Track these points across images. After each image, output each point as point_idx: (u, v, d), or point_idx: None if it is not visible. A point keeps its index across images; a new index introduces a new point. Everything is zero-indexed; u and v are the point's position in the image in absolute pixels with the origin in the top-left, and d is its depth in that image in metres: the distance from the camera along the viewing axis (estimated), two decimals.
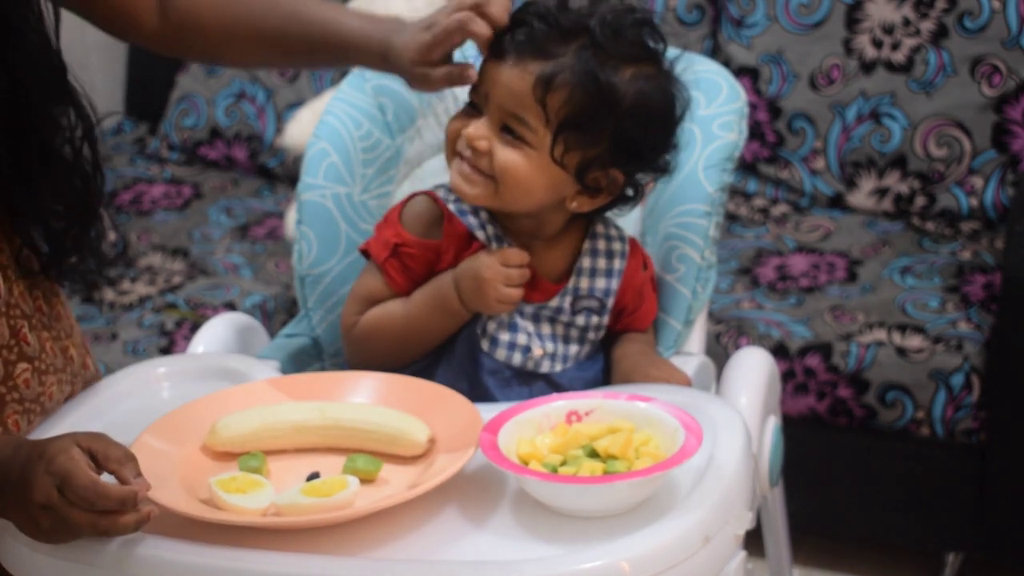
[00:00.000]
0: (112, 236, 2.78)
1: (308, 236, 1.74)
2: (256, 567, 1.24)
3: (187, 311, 2.57)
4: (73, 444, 1.27)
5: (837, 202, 2.80)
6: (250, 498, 1.31)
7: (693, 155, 1.73)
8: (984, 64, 2.68)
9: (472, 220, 1.60)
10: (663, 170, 1.58)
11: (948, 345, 2.35)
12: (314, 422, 1.44)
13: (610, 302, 1.62)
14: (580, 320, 1.61)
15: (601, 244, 1.62)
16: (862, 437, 2.41)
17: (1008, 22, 2.67)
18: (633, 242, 1.65)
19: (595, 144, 1.51)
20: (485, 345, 1.59)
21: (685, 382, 1.56)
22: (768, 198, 2.85)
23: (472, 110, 1.54)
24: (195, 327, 2.43)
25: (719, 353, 2.16)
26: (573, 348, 1.62)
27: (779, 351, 2.39)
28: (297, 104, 3.08)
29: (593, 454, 1.35)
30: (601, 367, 1.65)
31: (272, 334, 1.87)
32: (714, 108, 1.76)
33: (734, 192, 2.85)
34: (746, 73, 2.82)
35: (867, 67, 2.76)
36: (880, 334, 2.39)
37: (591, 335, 1.63)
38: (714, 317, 2.46)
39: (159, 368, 1.61)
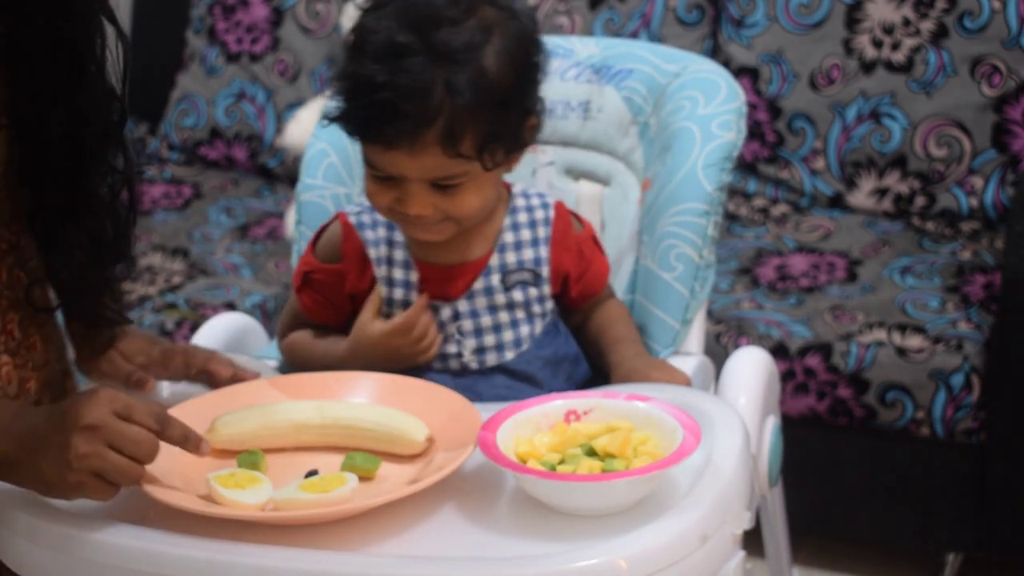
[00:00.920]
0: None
1: (307, 236, 1.74)
2: (254, 561, 1.24)
3: (187, 311, 2.57)
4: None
5: (837, 202, 2.80)
6: (248, 493, 1.31)
7: (692, 154, 1.73)
8: (984, 64, 2.68)
9: (370, 235, 1.61)
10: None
11: (948, 345, 2.35)
12: (313, 421, 1.44)
13: (544, 271, 1.61)
14: (517, 295, 1.60)
15: (522, 216, 1.62)
16: (862, 437, 2.41)
17: (1008, 22, 2.67)
18: (559, 205, 1.64)
19: (508, 124, 1.51)
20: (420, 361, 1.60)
21: (685, 383, 1.56)
22: (768, 198, 2.85)
23: (383, 180, 1.51)
24: (195, 327, 2.43)
25: (719, 353, 2.16)
26: (524, 329, 1.61)
27: (779, 351, 2.39)
28: (297, 104, 3.09)
29: (591, 453, 1.35)
30: (564, 340, 1.64)
31: (271, 334, 1.87)
32: (713, 107, 1.76)
33: (734, 192, 2.85)
34: (746, 73, 2.82)
35: (867, 67, 2.76)
36: (880, 334, 2.39)
37: (536, 309, 1.62)
38: (714, 317, 2.46)
39: None
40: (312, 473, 1.37)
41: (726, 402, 1.51)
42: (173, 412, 1.46)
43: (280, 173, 3.15)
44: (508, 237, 1.60)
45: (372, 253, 1.60)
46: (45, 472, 1.27)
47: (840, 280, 2.57)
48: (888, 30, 2.74)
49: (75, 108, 1.38)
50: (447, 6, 1.47)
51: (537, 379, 1.61)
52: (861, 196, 2.77)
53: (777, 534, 1.92)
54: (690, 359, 1.71)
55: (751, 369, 1.72)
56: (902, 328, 2.39)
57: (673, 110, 1.78)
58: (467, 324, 1.60)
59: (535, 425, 1.39)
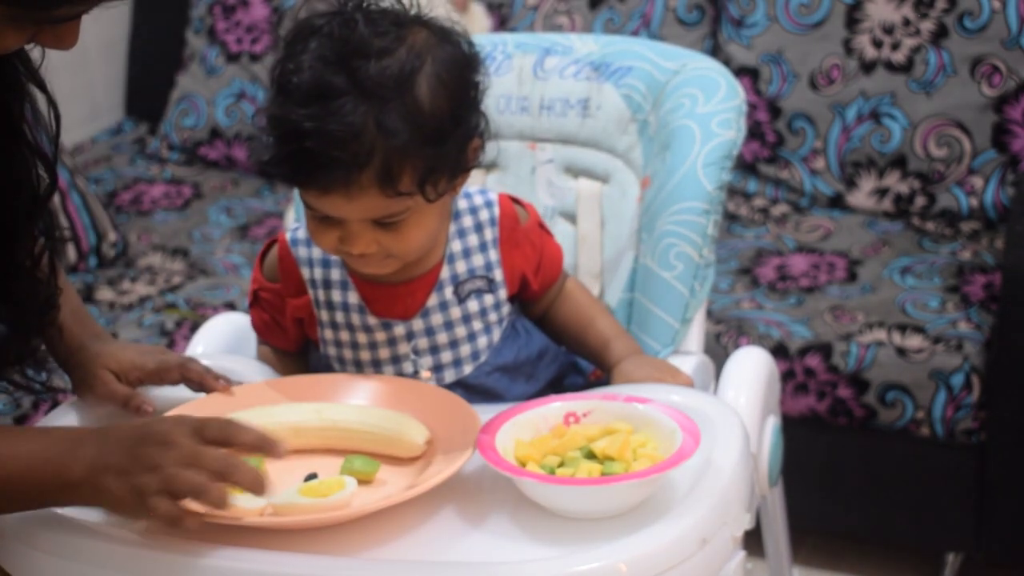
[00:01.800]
0: (112, 236, 2.80)
1: None
2: (252, 566, 1.24)
3: (187, 311, 2.57)
4: None
5: (837, 202, 2.79)
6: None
7: (692, 153, 1.73)
8: (984, 64, 2.68)
9: (303, 253, 1.56)
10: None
11: (948, 345, 2.34)
12: (312, 423, 1.44)
13: (498, 275, 1.57)
14: (473, 306, 1.56)
15: (467, 220, 1.56)
16: (862, 437, 2.41)
17: (1008, 22, 2.67)
18: (503, 199, 1.58)
19: (447, 155, 1.44)
20: None
21: (687, 383, 1.56)
22: (768, 198, 2.85)
23: (323, 219, 1.45)
24: (195, 327, 2.43)
25: (719, 353, 2.16)
26: (482, 340, 1.57)
27: (779, 351, 2.39)
28: None
29: (591, 456, 1.35)
30: (525, 342, 1.60)
31: None
32: (712, 106, 1.76)
33: (734, 192, 2.85)
34: (746, 73, 2.82)
35: (867, 67, 2.75)
36: (880, 334, 2.39)
37: (492, 317, 1.57)
38: (714, 317, 2.46)
39: None
40: (311, 476, 1.37)
41: (726, 403, 1.51)
42: (172, 413, 1.46)
43: None
44: (456, 246, 1.55)
45: (305, 274, 1.56)
46: (113, 491, 1.25)
47: (840, 280, 2.57)
48: (888, 30, 2.74)
49: (4, 176, 1.33)
50: (374, 36, 1.39)
51: (495, 391, 1.58)
52: (861, 196, 2.77)
53: (777, 534, 1.92)
54: (690, 358, 1.71)
55: (751, 369, 1.72)
56: (902, 328, 2.39)
57: (672, 108, 1.78)
58: (423, 343, 1.55)
59: (534, 427, 1.39)
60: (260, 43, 3.19)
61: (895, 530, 2.45)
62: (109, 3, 1.22)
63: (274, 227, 2.92)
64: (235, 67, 3.19)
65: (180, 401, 1.50)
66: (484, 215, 1.57)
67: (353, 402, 1.49)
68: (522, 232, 1.59)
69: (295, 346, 1.63)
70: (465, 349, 1.57)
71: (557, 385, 1.63)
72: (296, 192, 1.87)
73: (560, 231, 1.82)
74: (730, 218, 2.80)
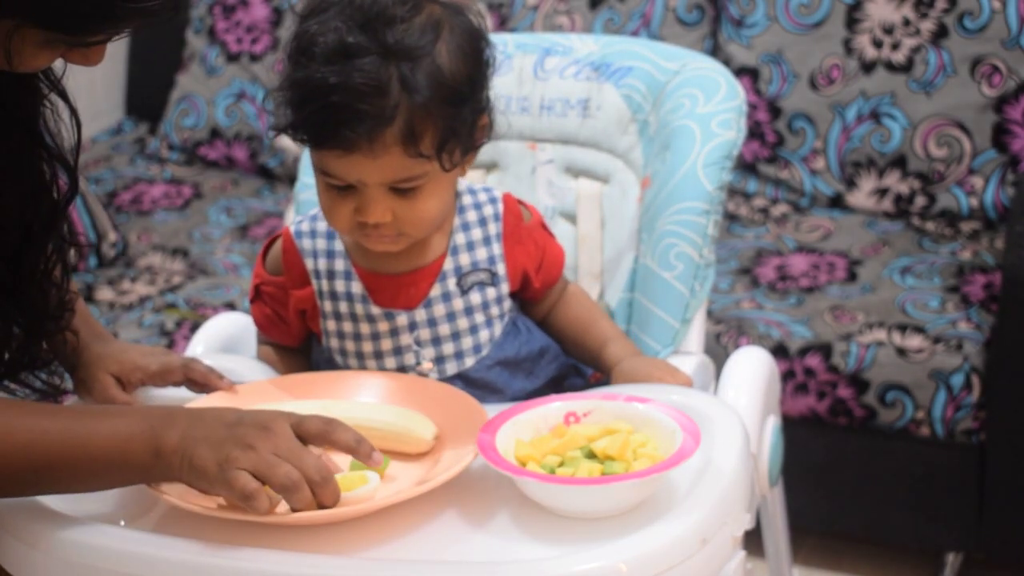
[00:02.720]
0: (112, 236, 2.80)
1: None
2: (253, 565, 1.24)
3: (187, 311, 2.57)
4: None
5: (837, 202, 2.80)
6: None
7: (692, 153, 1.73)
8: (984, 64, 2.68)
9: (308, 244, 1.57)
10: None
11: (948, 345, 2.34)
12: None
13: (500, 268, 1.58)
14: (475, 298, 1.57)
15: (471, 215, 1.58)
16: (862, 437, 2.41)
17: (1008, 22, 2.67)
18: (507, 197, 1.61)
19: (464, 121, 1.47)
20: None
21: (687, 383, 1.56)
22: (768, 198, 2.85)
23: (339, 190, 1.47)
24: (195, 327, 2.43)
25: (719, 353, 2.16)
26: (484, 334, 1.58)
27: (779, 351, 2.39)
28: None
29: (591, 455, 1.35)
30: (526, 338, 1.61)
31: None
32: (712, 106, 1.76)
33: (734, 192, 2.85)
34: (746, 73, 2.82)
35: (867, 67, 2.75)
36: (880, 334, 2.39)
37: (494, 311, 1.58)
38: (714, 317, 2.46)
39: None
40: None
41: (726, 403, 1.51)
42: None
43: (280, 173, 3.15)
44: (460, 238, 1.57)
45: (309, 264, 1.57)
46: (203, 458, 1.25)
47: (840, 280, 2.57)
48: (888, 30, 2.74)
49: (25, 185, 1.34)
50: (393, 5, 1.44)
51: (495, 385, 1.58)
52: (861, 196, 2.77)
53: (777, 534, 1.92)
54: (690, 358, 1.71)
55: (751, 369, 1.72)
56: (902, 328, 2.39)
57: (672, 108, 1.78)
58: (425, 333, 1.56)
59: (534, 427, 1.39)
60: (260, 43, 3.19)
61: (895, 530, 2.46)
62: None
63: (274, 227, 2.92)
64: (235, 67, 3.19)
65: (182, 402, 1.50)
66: (488, 210, 1.58)
67: (359, 399, 1.49)
68: (525, 229, 1.60)
69: (297, 341, 1.63)
70: (467, 341, 1.57)
71: (558, 385, 1.63)
72: (296, 191, 1.87)
73: (560, 231, 1.82)
74: (730, 218, 2.80)
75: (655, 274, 1.73)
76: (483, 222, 1.58)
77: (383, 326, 1.56)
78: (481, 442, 1.34)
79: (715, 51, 2.88)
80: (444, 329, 1.56)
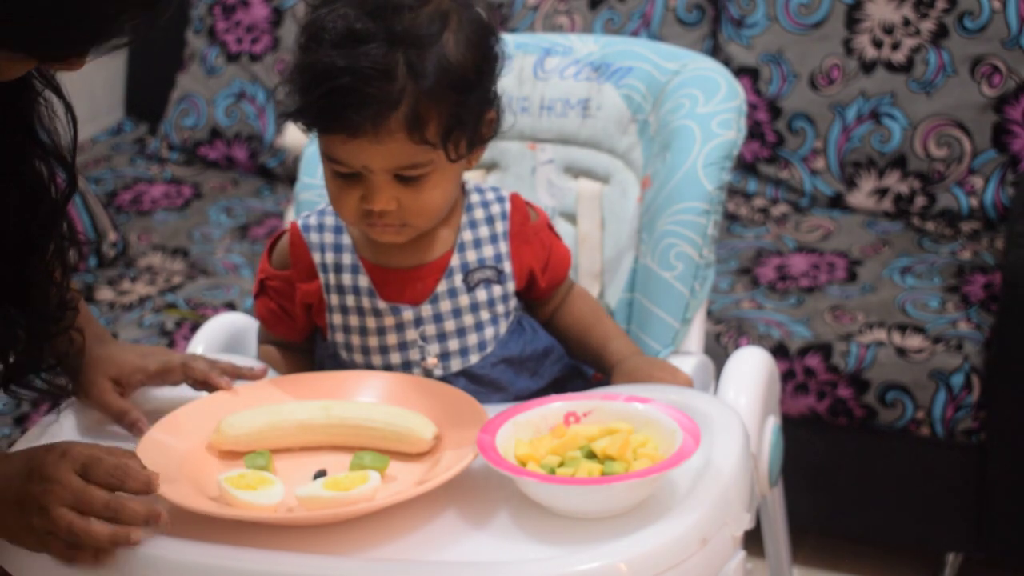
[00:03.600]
0: (112, 236, 2.80)
1: None
2: (253, 566, 1.24)
3: (187, 311, 2.57)
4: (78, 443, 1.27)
5: (837, 202, 2.80)
6: (261, 494, 1.31)
7: (692, 153, 1.73)
8: (984, 64, 2.68)
9: (315, 238, 1.58)
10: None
11: (948, 345, 2.34)
12: (319, 420, 1.44)
13: (507, 266, 1.59)
14: (481, 295, 1.57)
15: (479, 213, 1.59)
16: (862, 437, 2.41)
17: (1008, 22, 2.67)
18: (514, 197, 1.62)
19: (470, 110, 1.48)
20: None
21: (687, 383, 1.56)
22: (768, 198, 2.85)
23: (345, 177, 1.48)
24: (195, 327, 2.43)
25: (719, 353, 2.16)
26: (489, 331, 1.58)
27: (779, 351, 2.39)
28: None
29: (591, 455, 1.35)
30: (531, 337, 1.62)
31: None
32: (712, 105, 1.76)
33: (734, 192, 2.85)
34: (746, 73, 2.82)
35: (867, 67, 2.75)
36: (880, 334, 2.39)
37: (500, 308, 1.59)
38: (714, 317, 2.46)
39: None
40: (321, 473, 1.37)
41: (726, 403, 1.51)
42: (178, 412, 1.46)
43: (280, 173, 3.15)
44: (467, 235, 1.58)
45: (316, 258, 1.58)
46: (13, 529, 1.27)
47: (840, 280, 2.57)
48: (888, 30, 2.74)
49: (24, 184, 1.33)
50: None
51: (500, 383, 1.59)
52: (861, 196, 2.77)
53: (777, 534, 1.92)
54: (690, 358, 1.71)
55: (751, 369, 1.72)
56: (902, 328, 2.39)
57: (672, 108, 1.78)
58: (430, 329, 1.57)
59: (535, 427, 1.39)
60: (260, 43, 3.19)
61: (895, 530, 2.45)
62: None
63: (274, 227, 2.92)
64: (235, 67, 3.19)
65: (184, 401, 1.50)
66: (495, 209, 1.59)
67: (360, 398, 1.49)
68: (532, 229, 1.61)
69: (302, 336, 1.63)
70: (472, 338, 1.58)
71: (561, 386, 1.63)
72: (296, 191, 1.87)
73: (560, 231, 1.81)
74: (730, 218, 2.80)
75: (655, 274, 1.73)
76: (490, 220, 1.59)
77: (389, 321, 1.56)
78: (481, 442, 1.34)
79: (715, 51, 2.88)
80: (449, 325, 1.57)
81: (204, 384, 1.52)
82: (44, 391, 1.42)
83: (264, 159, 3.16)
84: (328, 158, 1.48)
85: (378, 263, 1.56)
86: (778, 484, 1.79)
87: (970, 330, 2.37)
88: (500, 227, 1.59)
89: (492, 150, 1.85)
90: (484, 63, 1.49)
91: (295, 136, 2.88)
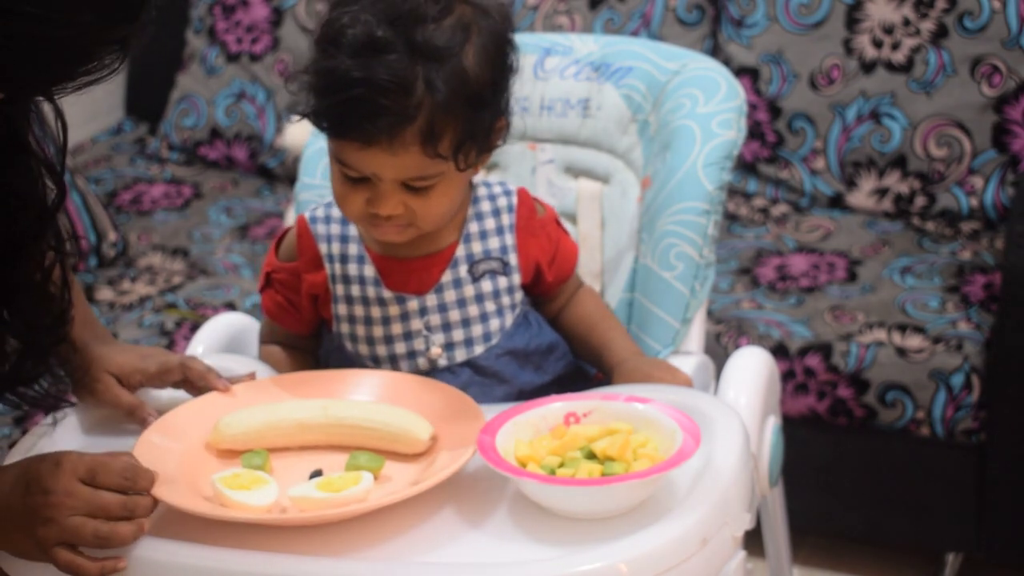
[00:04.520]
0: (112, 236, 2.79)
1: None
2: (252, 568, 1.24)
3: (187, 311, 2.57)
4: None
5: (837, 202, 2.79)
6: (255, 495, 1.31)
7: (692, 153, 1.73)
8: (984, 64, 2.68)
9: (322, 230, 1.58)
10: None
11: (948, 345, 2.34)
12: (316, 420, 1.44)
13: (512, 259, 1.59)
14: (486, 286, 1.58)
15: (485, 205, 1.60)
16: (862, 437, 2.41)
17: (1008, 22, 2.67)
18: (522, 191, 1.62)
19: (483, 124, 1.48)
20: (386, 366, 1.57)
21: (687, 383, 1.56)
22: (768, 198, 2.85)
23: (354, 180, 1.48)
24: (195, 327, 2.43)
25: (719, 353, 2.16)
26: (494, 323, 1.59)
27: (779, 351, 2.39)
28: None
29: (591, 456, 1.35)
30: (536, 332, 1.62)
31: None
32: (712, 106, 1.76)
33: (734, 192, 2.85)
34: (746, 73, 2.82)
35: (867, 67, 2.75)
36: (880, 334, 2.39)
37: (505, 300, 1.59)
38: (714, 317, 2.46)
39: None
40: (317, 473, 1.37)
41: (726, 403, 1.51)
42: (176, 411, 1.46)
43: (280, 173, 3.15)
44: (473, 227, 1.58)
45: (323, 249, 1.58)
46: (18, 544, 1.27)
47: (840, 280, 2.57)
48: (888, 30, 2.74)
49: (11, 189, 1.32)
50: (424, 3, 1.44)
51: (504, 375, 1.59)
52: (861, 196, 2.77)
53: (777, 534, 1.92)
54: (690, 358, 1.71)
55: (751, 369, 1.72)
56: (902, 328, 2.39)
57: (673, 108, 1.78)
58: (435, 319, 1.57)
59: (535, 428, 1.39)
60: (260, 43, 3.19)
61: (895, 530, 2.45)
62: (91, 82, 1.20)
63: (274, 227, 2.92)
64: (235, 67, 3.19)
65: (183, 401, 1.50)
66: (502, 202, 1.60)
67: (358, 398, 1.49)
68: (539, 223, 1.62)
69: (308, 328, 1.63)
70: (477, 329, 1.58)
71: (564, 384, 1.63)
72: (296, 191, 1.87)
73: None
74: (730, 218, 2.80)
75: (655, 274, 1.73)
76: (496, 213, 1.59)
77: (394, 310, 1.57)
78: (481, 443, 1.34)
79: (715, 51, 2.88)
80: (454, 315, 1.57)
81: (201, 387, 1.52)
82: (35, 399, 1.42)
83: (264, 159, 3.16)
84: (338, 160, 1.48)
85: (384, 253, 1.57)
86: (778, 484, 1.79)
87: (970, 330, 2.37)
88: (506, 220, 1.59)
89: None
90: (500, 76, 1.49)
91: (295, 136, 2.88)
